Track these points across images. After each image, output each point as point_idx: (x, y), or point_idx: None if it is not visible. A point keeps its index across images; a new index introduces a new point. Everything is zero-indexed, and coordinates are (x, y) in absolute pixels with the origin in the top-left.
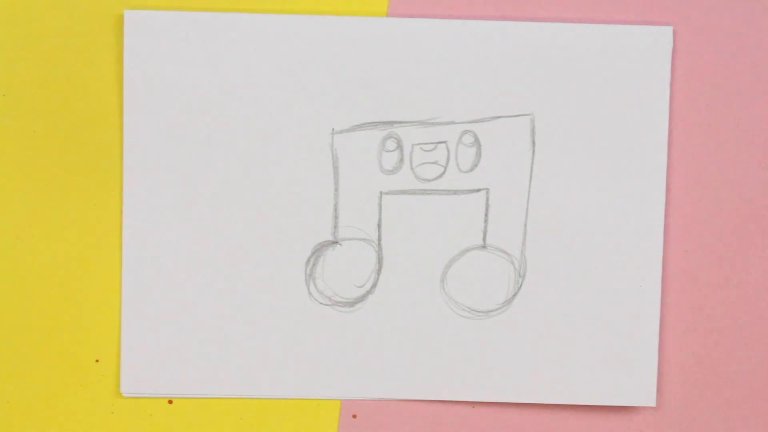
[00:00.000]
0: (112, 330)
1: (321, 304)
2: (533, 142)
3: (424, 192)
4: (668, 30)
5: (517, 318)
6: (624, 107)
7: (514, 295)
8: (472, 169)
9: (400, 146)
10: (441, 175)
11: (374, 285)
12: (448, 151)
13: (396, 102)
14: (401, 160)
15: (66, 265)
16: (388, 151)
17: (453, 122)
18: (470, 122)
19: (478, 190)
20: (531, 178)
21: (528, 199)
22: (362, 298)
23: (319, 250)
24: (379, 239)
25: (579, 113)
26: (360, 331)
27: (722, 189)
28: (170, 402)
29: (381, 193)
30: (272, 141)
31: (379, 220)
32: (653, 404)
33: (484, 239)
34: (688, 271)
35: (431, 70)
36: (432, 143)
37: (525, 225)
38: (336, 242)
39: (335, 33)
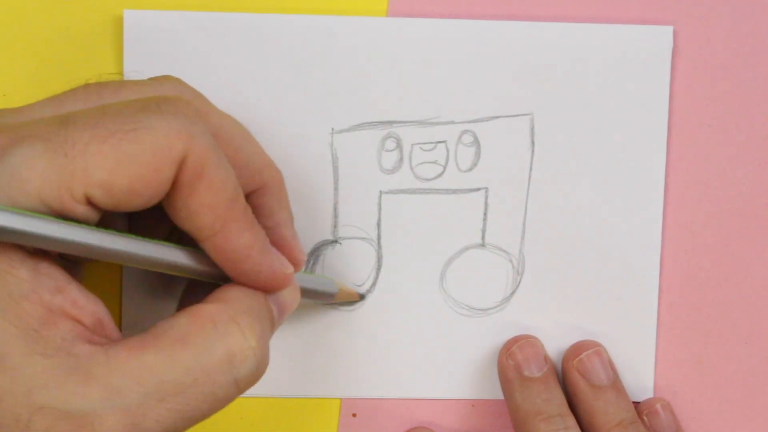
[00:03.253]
0: None
1: (320, 302)
2: (532, 142)
3: (423, 191)
4: (668, 30)
5: (515, 316)
6: (624, 107)
7: (512, 293)
8: (471, 169)
9: (399, 146)
10: (440, 175)
11: (374, 284)
12: (448, 150)
13: (395, 102)
14: (401, 159)
15: None
16: (387, 150)
17: (452, 122)
18: (469, 122)
19: (477, 190)
20: (530, 177)
21: (527, 199)
22: (362, 297)
23: (318, 249)
24: (379, 238)
25: (578, 113)
26: (359, 330)
27: (721, 189)
28: None
29: (380, 192)
30: (272, 140)
31: (379, 219)
32: None
33: (482, 238)
34: (687, 270)
35: (431, 70)
36: (431, 143)
37: (524, 224)
38: (336, 241)
39: (335, 33)
